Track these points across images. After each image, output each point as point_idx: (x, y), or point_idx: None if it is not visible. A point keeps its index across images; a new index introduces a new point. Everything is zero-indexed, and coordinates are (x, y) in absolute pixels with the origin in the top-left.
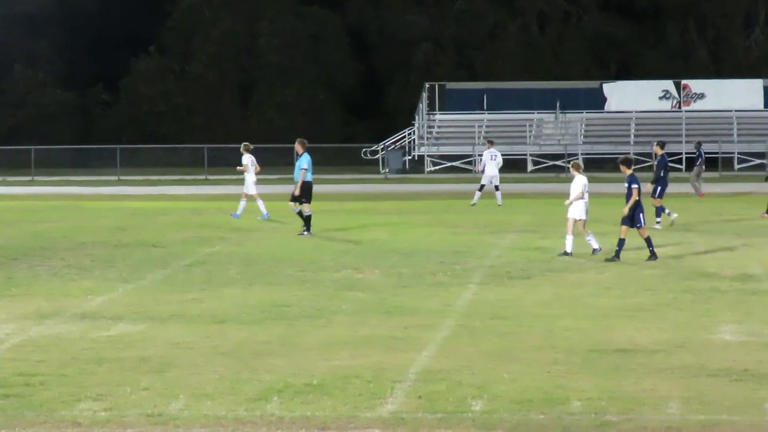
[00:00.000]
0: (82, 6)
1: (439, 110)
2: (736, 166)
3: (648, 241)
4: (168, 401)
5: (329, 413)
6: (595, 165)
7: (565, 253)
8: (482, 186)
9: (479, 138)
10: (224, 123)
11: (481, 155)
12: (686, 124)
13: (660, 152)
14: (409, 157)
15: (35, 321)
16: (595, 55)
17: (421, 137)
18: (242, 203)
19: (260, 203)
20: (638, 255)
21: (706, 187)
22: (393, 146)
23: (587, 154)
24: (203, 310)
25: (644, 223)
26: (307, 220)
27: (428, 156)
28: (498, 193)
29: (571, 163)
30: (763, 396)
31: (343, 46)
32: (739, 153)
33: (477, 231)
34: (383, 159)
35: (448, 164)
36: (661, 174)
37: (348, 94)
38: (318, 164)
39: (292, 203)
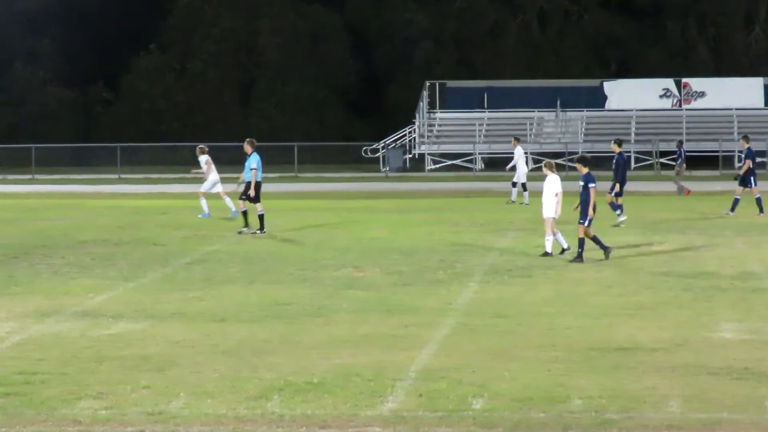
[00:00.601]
0: (82, 4)
1: (440, 108)
2: (737, 165)
3: (581, 242)
4: (168, 399)
5: (330, 411)
6: (595, 163)
7: (546, 254)
8: (523, 184)
9: (480, 136)
10: (225, 121)
11: (500, 154)
12: (687, 122)
13: (618, 150)
14: (410, 156)
15: (36, 319)
16: (595, 54)
17: (421, 135)
18: (227, 201)
19: (203, 202)
20: (639, 254)
21: (706, 185)
22: (393, 145)
23: (588, 152)
24: (204, 308)
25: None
26: (258, 220)
27: (429, 154)
28: (515, 191)
29: (544, 162)
30: (763, 394)
31: (344, 44)
32: (739, 151)
33: (477, 229)
34: (384, 157)
35: (449, 162)
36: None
37: (348, 92)
38: (318, 162)
39: (241, 201)
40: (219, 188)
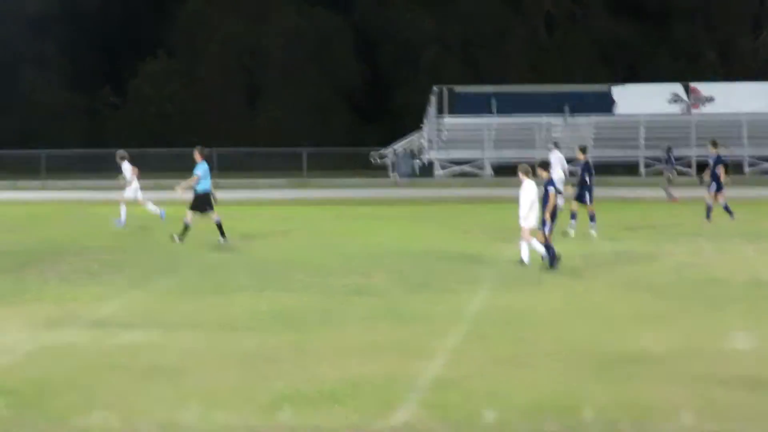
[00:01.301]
0: (88, 8)
1: (448, 114)
2: (746, 170)
3: (547, 247)
4: (180, 409)
5: (341, 422)
6: (604, 169)
7: (521, 262)
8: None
9: (488, 142)
10: (232, 125)
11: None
12: (696, 127)
13: (582, 157)
14: (418, 161)
15: (46, 328)
16: (603, 58)
17: (430, 141)
18: (150, 207)
19: (123, 209)
20: (649, 261)
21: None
22: (402, 150)
23: (597, 158)
24: (214, 316)
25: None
26: (182, 227)
27: (437, 160)
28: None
29: (520, 167)
30: None
31: (349, 47)
32: (749, 156)
33: (487, 236)
34: (392, 163)
35: (458, 168)
36: (587, 179)
37: (355, 96)
38: (326, 168)
39: (189, 213)
40: (140, 195)
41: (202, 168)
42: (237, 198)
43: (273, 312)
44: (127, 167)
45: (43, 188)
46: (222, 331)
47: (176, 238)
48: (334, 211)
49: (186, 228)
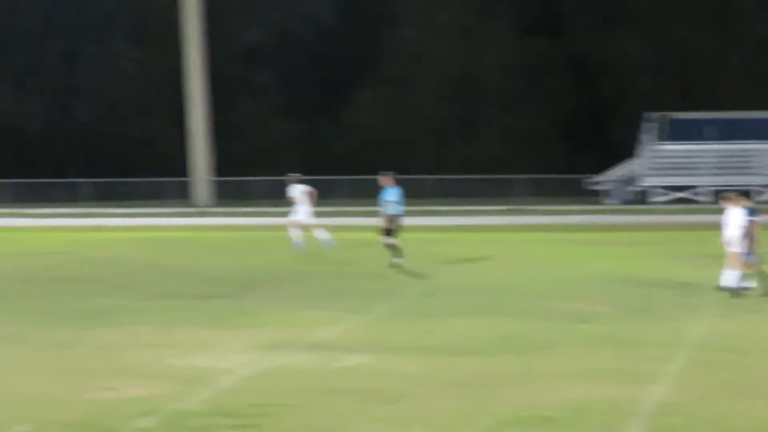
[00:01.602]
0: (303, 37)
1: (664, 140)
2: None
3: (740, 276)
4: None
5: None
6: None
7: (743, 289)
8: None
9: (706, 168)
10: (445, 153)
11: None
12: None
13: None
14: (635, 188)
15: (267, 351)
16: None
17: (646, 168)
18: (296, 232)
19: (319, 232)
20: None
21: None
22: (618, 177)
23: None
24: (433, 341)
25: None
26: (393, 251)
27: (654, 187)
28: None
29: (722, 195)
30: None
31: (564, 75)
32: None
33: (705, 263)
34: (608, 190)
35: (675, 195)
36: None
37: (569, 123)
38: (540, 195)
39: (387, 239)
40: (304, 219)
41: (393, 192)
42: (451, 224)
43: (491, 337)
44: (295, 190)
45: (260, 214)
46: (441, 355)
47: (395, 262)
48: (548, 238)
49: (396, 249)
